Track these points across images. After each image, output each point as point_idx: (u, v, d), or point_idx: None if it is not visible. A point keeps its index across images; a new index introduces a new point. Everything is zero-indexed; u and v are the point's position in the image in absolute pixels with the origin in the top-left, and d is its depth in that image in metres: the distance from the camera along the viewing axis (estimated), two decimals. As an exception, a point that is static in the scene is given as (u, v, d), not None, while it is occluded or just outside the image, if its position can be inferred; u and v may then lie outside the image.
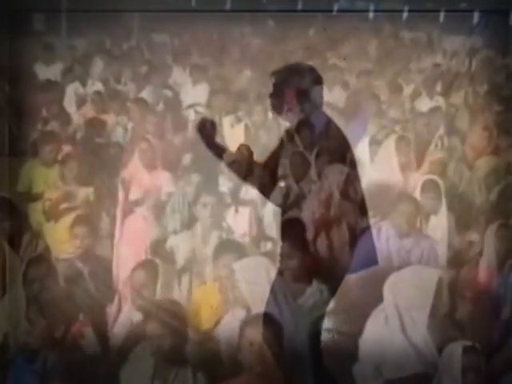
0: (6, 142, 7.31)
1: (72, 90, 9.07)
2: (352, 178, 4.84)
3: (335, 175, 4.82)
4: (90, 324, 4.79)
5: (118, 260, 5.76)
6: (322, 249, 4.84)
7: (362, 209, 4.93)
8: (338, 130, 4.79)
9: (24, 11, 9.50)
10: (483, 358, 4.20)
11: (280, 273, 4.65)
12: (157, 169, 6.66)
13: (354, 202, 4.84)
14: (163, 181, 6.57)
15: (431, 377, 4.28)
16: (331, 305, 4.62)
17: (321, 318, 4.56)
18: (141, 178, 6.55)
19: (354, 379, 4.50)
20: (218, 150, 4.99)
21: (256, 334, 4.00)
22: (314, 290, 4.60)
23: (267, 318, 4.12)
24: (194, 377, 4.20)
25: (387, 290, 4.51)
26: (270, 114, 7.96)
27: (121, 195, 6.03)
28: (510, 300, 4.93)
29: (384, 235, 5.34)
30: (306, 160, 5.10)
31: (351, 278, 4.88)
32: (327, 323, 4.60)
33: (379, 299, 4.58)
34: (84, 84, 9.34)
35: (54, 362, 4.29)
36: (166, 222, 6.13)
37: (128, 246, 5.75)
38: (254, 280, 4.44)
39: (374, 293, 4.67)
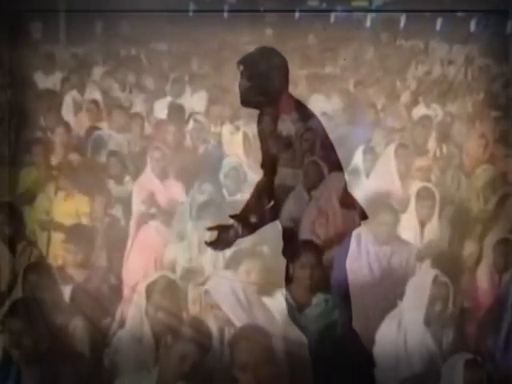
0: (6, 150, 7.34)
1: (70, 99, 9.08)
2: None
3: (334, 183, 4.82)
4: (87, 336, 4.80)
5: (127, 270, 5.79)
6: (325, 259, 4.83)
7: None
8: (327, 136, 4.75)
9: (22, 19, 9.50)
10: (485, 371, 4.22)
11: (288, 283, 4.68)
12: (169, 179, 6.72)
13: (354, 209, 4.83)
14: (175, 191, 6.62)
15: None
16: (337, 313, 4.64)
17: (328, 326, 4.59)
18: (153, 187, 6.61)
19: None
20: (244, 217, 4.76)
21: (246, 356, 4.00)
22: (319, 301, 4.63)
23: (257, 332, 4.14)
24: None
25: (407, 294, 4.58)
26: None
27: (135, 204, 6.06)
28: (510, 314, 4.91)
29: (363, 242, 5.39)
30: (319, 169, 5.01)
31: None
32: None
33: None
34: (82, 92, 9.34)
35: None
36: (173, 232, 6.15)
37: (138, 256, 5.77)
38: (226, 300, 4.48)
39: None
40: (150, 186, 6.61)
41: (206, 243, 4.59)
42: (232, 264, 5.27)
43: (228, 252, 5.62)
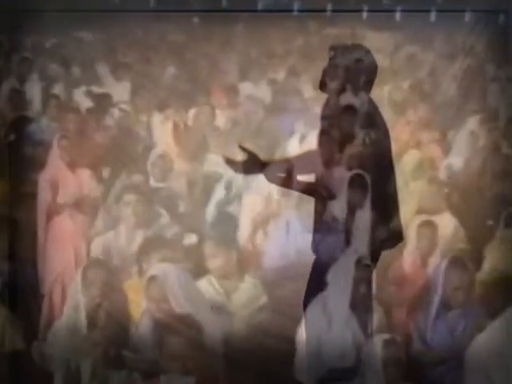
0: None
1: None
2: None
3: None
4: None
5: (44, 262, 5.68)
6: (258, 245, 4.85)
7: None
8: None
9: None
10: (404, 350, 4.29)
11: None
12: (79, 167, 6.56)
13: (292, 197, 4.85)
14: (87, 180, 6.50)
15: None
16: (265, 298, 4.65)
17: (256, 311, 4.59)
18: (64, 176, 6.45)
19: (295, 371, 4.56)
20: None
21: (177, 344, 3.97)
22: (247, 286, 4.63)
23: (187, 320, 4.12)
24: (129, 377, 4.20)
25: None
26: (194, 112, 7.95)
27: (42, 195, 5.94)
28: (440, 293, 4.92)
29: (292, 230, 5.40)
30: None
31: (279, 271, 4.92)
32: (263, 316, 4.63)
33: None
34: (6, 82, 9.14)
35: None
36: (93, 221, 6.07)
37: (54, 247, 5.66)
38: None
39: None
40: (58, 175, 6.44)
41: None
42: (147, 252, 5.19)
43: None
